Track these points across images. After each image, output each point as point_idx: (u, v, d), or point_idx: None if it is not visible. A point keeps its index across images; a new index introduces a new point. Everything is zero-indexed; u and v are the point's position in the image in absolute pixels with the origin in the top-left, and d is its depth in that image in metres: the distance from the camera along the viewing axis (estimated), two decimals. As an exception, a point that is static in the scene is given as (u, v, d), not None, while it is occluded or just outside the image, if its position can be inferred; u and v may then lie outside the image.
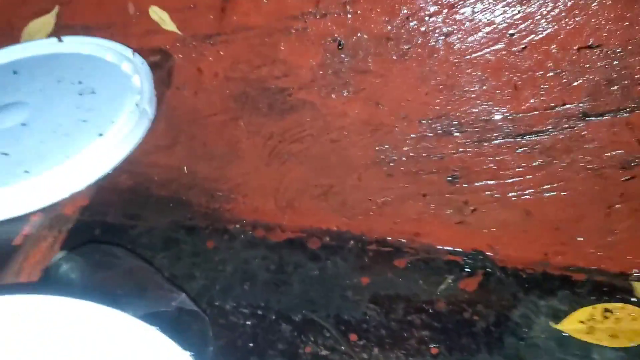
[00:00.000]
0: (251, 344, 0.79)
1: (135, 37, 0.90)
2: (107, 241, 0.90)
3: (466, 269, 0.88)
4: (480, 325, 0.81)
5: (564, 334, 0.79)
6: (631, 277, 0.85)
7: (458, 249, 0.91)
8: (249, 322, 0.82)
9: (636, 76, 0.75)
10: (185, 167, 0.97)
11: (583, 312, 0.80)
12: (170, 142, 0.97)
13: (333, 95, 0.87)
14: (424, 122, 0.85)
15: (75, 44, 0.90)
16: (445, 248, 0.92)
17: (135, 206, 1.02)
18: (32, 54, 0.90)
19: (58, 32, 0.94)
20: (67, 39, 0.91)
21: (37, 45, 0.91)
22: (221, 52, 0.88)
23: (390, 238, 0.94)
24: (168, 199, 1.02)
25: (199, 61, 0.90)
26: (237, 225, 0.98)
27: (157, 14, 0.89)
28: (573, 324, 0.79)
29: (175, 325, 0.69)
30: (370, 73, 0.84)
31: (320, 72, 0.86)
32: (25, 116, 0.75)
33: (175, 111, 0.94)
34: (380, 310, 0.84)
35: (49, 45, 0.91)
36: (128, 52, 0.85)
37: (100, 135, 0.69)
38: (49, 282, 0.68)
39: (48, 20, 0.97)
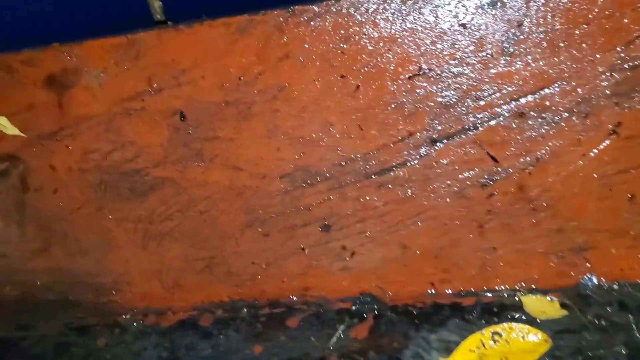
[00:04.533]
0: None
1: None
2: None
3: (357, 315, 0.87)
4: (372, 374, 0.79)
5: (456, 367, 0.77)
6: (519, 292, 0.84)
7: (347, 296, 0.90)
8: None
9: (475, 94, 0.76)
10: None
11: (472, 340, 0.78)
12: (44, 244, 0.96)
13: (190, 168, 0.87)
14: (283, 177, 0.85)
15: None
16: (335, 297, 0.91)
17: (25, 316, 1.00)
18: None
19: None
20: None
21: None
22: (69, 146, 0.88)
23: (281, 298, 0.93)
24: (56, 302, 1.00)
25: (50, 158, 0.90)
26: (128, 316, 0.97)
27: (-3, 120, 0.89)
28: (463, 355, 0.78)
29: None
30: (219, 139, 0.84)
31: (171, 147, 0.86)
32: None
33: (40, 212, 0.93)
34: (270, 377, 0.82)
35: None
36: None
37: None
38: None
39: None
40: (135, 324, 0.94)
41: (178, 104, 0.83)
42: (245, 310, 0.92)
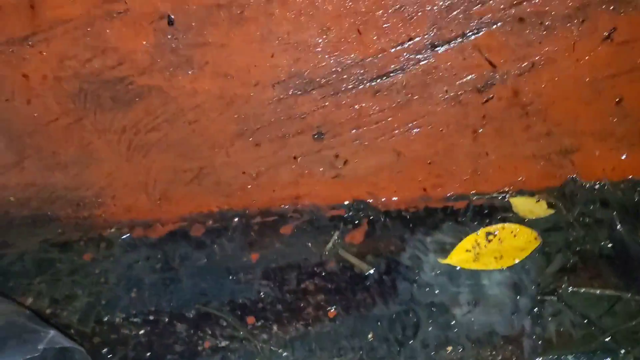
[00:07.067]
0: (148, 353, 0.78)
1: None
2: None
3: (351, 222, 0.89)
4: (372, 276, 0.82)
5: (453, 267, 0.81)
6: (508, 194, 0.88)
7: (339, 203, 0.92)
8: (142, 331, 0.81)
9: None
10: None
11: (467, 241, 0.83)
12: (17, 158, 0.91)
13: (178, 75, 0.83)
14: (277, 85, 0.83)
15: None
16: (327, 205, 0.92)
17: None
18: None
19: None
20: None
21: None
22: (44, 52, 0.82)
23: (272, 207, 0.94)
24: (32, 218, 0.97)
25: (22, 66, 0.84)
26: (113, 230, 0.95)
27: (-40, 25, 0.81)
28: (460, 255, 0.82)
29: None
30: (210, 45, 0.81)
31: (158, 53, 0.82)
32: None
33: (11, 124, 0.88)
34: (273, 284, 0.84)
35: None
36: None
37: None
38: None
39: None
40: (121, 239, 0.93)
41: (165, 7, 0.79)
42: (236, 220, 0.92)
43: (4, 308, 0.68)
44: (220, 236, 0.91)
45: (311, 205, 0.92)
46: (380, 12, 0.78)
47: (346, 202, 0.91)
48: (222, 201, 0.94)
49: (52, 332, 0.64)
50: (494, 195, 0.89)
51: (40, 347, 0.61)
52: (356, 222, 0.89)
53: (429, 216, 0.88)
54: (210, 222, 0.93)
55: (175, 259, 0.89)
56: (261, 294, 0.83)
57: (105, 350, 0.78)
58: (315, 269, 0.84)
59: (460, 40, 0.79)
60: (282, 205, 0.93)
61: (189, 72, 0.83)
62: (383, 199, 0.91)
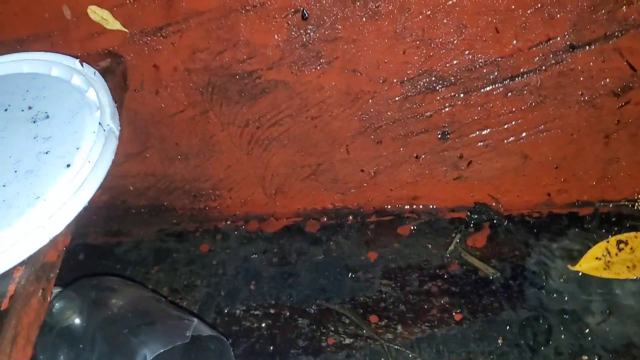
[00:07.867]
0: (271, 347, 0.78)
1: (78, 43, 0.84)
2: (95, 267, 0.86)
3: (472, 225, 0.87)
4: (497, 281, 0.81)
5: (582, 274, 0.79)
6: (638, 202, 0.85)
7: (460, 205, 0.90)
8: (263, 324, 0.81)
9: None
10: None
11: (598, 249, 0.80)
12: (139, 147, 0.92)
13: (305, 70, 0.83)
14: (405, 82, 0.82)
15: (12, 63, 0.83)
16: (447, 207, 0.91)
17: (115, 221, 0.98)
18: (-39, 83, 0.82)
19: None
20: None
21: (-36, 72, 0.82)
22: (175, 44, 0.83)
23: (389, 206, 0.93)
24: (149, 208, 0.98)
25: (154, 57, 0.85)
26: (228, 222, 0.96)
27: (98, 14, 0.83)
28: (589, 262, 0.79)
29: (193, 353, 0.67)
30: (341, 40, 0.81)
31: (288, 48, 0.82)
32: (-26, 159, 0.68)
33: (138, 114, 0.89)
34: (394, 284, 0.83)
35: (-21, 69, 0.82)
36: (74, 62, 0.79)
37: (68, 166, 0.64)
38: (48, 329, 0.65)
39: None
40: (237, 231, 0.93)
41: (300, 1, 0.78)
42: (350, 218, 0.92)
43: (143, 293, 0.69)
44: (336, 233, 0.90)
45: (430, 206, 0.91)
46: (520, 11, 0.76)
47: (467, 205, 0.89)
48: (337, 198, 0.93)
49: (196, 320, 0.65)
50: (623, 202, 0.86)
51: (188, 334, 0.62)
52: (477, 225, 0.87)
53: (553, 222, 0.85)
54: (325, 218, 0.92)
55: (292, 253, 0.89)
56: (383, 293, 0.81)
57: (229, 341, 0.78)
58: (438, 271, 0.83)
59: (600, 41, 0.77)
60: (399, 205, 0.92)
61: (317, 67, 0.83)
62: (505, 203, 0.89)
